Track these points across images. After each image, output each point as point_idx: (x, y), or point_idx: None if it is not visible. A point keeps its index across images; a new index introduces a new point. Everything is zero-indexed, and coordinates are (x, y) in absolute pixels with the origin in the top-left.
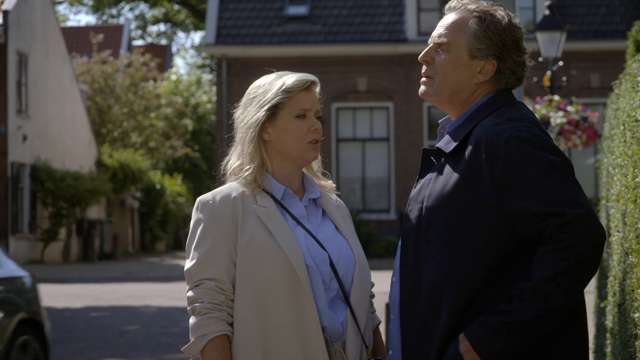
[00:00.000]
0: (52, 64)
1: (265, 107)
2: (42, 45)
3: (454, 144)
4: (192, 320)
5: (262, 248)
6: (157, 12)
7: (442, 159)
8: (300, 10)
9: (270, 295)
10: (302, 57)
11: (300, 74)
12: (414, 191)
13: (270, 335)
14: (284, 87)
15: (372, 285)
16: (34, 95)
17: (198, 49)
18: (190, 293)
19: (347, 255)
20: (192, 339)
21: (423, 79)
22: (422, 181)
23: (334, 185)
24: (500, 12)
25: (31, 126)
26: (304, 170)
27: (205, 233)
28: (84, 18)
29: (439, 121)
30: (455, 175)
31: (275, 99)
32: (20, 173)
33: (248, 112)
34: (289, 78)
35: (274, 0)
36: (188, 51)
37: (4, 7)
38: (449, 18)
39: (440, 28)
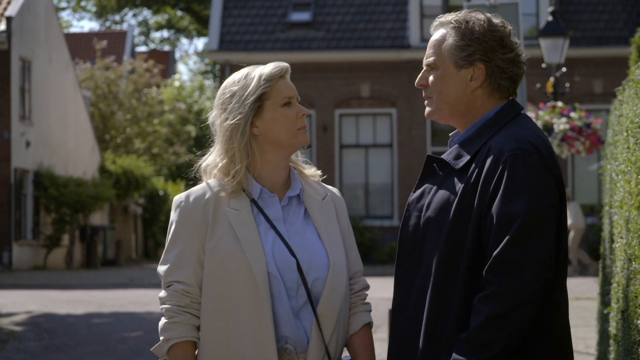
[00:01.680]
0: (55, 70)
1: (250, 101)
2: (45, 52)
3: (463, 160)
4: (160, 322)
5: (227, 253)
6: (161, 18)
7: (447, 170)
8: (303, 16)
9: (231, 301)
10: (305, 63)
11: (271, 63)
12: (412, 196)
13: (230, 341)
14: (263, 77)
15: (362, 289)
16: (37, 101)
17: (201, 55)
18: (160, 294)
19: (320, 260)
20: (160, 340)
21: (425, 101)
22: (423, 188)
23: (319, 172)
24: (476, 16)
25: (34, 132)
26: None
27: (177, 235)
28: (87, 24)
29: (450, 134)
30: (459, 189)
31: (258, 90)
32: (24, 179)
33: (231, 111)
34: (265, 68)
35: (277, 7)
36: (191, 57)
37: (7, 13)
38: (433, 37)
39: (428, 49)
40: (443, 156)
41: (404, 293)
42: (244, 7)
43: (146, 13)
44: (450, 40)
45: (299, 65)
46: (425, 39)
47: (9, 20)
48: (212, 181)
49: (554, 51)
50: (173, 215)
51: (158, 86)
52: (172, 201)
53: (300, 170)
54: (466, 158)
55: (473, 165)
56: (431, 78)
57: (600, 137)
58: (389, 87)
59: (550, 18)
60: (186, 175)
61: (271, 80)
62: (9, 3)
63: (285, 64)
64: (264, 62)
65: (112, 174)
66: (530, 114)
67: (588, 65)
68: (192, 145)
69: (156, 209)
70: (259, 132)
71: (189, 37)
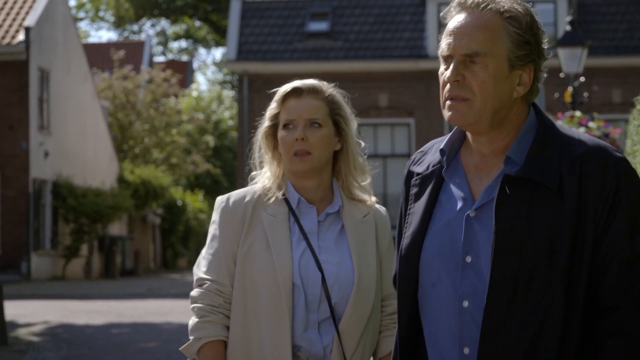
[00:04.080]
0: (74, 80)
1: (266, 118)
2: (63, 62)
3: (553, 176)
4: (190, 321)
5: (257, 257)
6: (179, 28)
7: (531, 191)
8: (321, 26)
9: (254, 306)
10: (323, 73)
11: (297, 81)
12: (499, 228)
13: (252, 344)
14: (274, 98)
15: (394, 312)
16: (55, 111)
17: (219, 65)
18: (192, 293)
19: (346, 278)
20: (190, 340)
21: (450, 102)
22: (510, 218)
23: (375, 201)
24: (528, 8)
25: (53, 142)
26: (339, 181)
27: (215, 235)
28: (105, 34)
29: (442, 147)
30: (567, 215)
31: (272, 109)
32: (42, 189)
33: (263, 122)
34: (283, 86)
35: (295, 17)
36: (209, 67)
37: (26, 23)
38: (471, 21)
39: (464, 36)
40: (521, 173)
41: (500, 342)
42: (262, 17)
43: (164, 23)
44: (510, 30)
45: (317, 75)
46: None
47: (27, 30)
48: (255, 186)
49: (572, 61)
50: (214, 216)
51: (176, 96)
52: (190, 211)
53: (354, 193)
54: (554, 174)
55: (567, 181)
56: (477, 74)
57: (619, 147)
58: (406, 97)
59: (568, 27)
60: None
61: (278, 101)
62: (27, 13)
63: (295, 84)
64: (282, 72)
65: (130, 184)
66: None
67: (606, 74)
68: (210, 155)
69: (174, 219)
70: (279, 148)
71: (207, 47)
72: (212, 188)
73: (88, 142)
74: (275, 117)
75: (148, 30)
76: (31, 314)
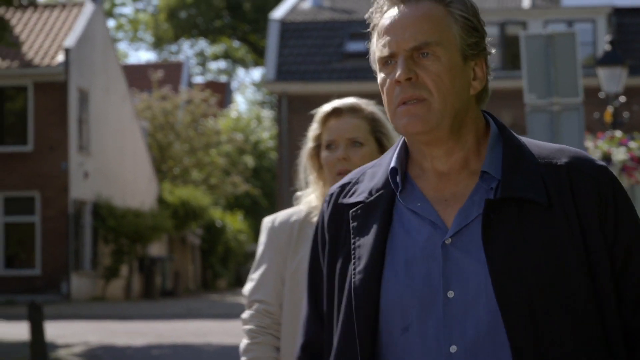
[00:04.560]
0: (113, 100)
1: (309, 139)
2: (102, 82)
3: (540, 192)
4: (242, 342)
5: (304, 276)
6: (217, 49)
7: (518, 211)
8: (359, 46)
9: None
10: (361, 93)
11: (336, 101)
12: (495, 254)
13: None
14: (316, 117)
15: None
16: (94, 132)
17: (258, 85)
18: (243, 315)
19: None
20: None
21: (404, 107)
22: (504, 243)
23: None
24: None
25: (92, 163)
26: None
27: (263, 255)
28: (144, 55)
29: (394, 165)
30: (567, 234)
31: (313, 130)
32: (82, 210)
33: (306, 142)
34: (323, 107)
35: (334, 37)
36: (248, 88)
37: (65, 45)
38: (410, 12)
39: (406, 28)
40: (505, 193)
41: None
42: (301, 37)
43: (203, 43)
44: (456, 15)
45: (355, 96)
46: None
47: (67, 51)
48: (301, 205)
49: (612, 80)
50: (261, 237)
51: (215, 116)
52: (229, 232)
53: None
54: (540, 187)
55: (556, 194)
56: (428, 68)
57: None
58: None
59: (608, 47)
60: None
61: (319, 122)
62: (66, 35)
63: (334, 104)
64: (321, 93)
65: (169, 205)
66: (589, 144)
67: None
68: (249, 175)
69: (214, 240)
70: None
71: (246, 67)
72: (252, 209)
73: (127, 163)
74: (317, 138)
75: (187, 50)
76: (71, 334)
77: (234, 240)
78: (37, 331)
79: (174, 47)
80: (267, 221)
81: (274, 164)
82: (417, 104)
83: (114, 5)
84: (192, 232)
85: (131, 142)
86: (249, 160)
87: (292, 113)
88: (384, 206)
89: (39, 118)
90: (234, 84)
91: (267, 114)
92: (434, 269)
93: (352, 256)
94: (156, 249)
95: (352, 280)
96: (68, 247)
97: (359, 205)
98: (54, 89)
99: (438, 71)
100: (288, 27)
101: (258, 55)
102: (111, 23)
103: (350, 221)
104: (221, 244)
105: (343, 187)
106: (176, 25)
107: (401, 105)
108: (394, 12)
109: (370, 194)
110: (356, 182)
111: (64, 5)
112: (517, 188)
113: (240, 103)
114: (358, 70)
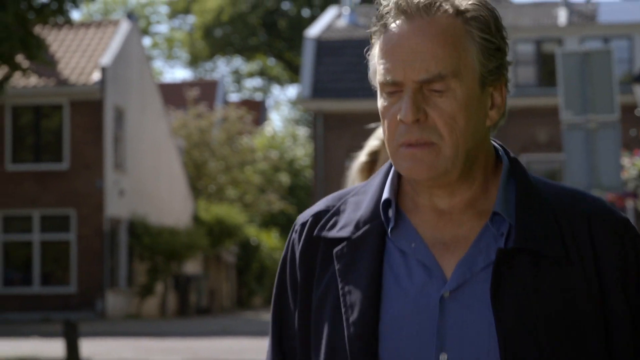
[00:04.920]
0: (149, 118)
1: (366, 153)
2: (138, 100)
3: (554, 244)
4: None
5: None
6: (253, 66)
7: (530, 265)
8: None
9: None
10: None
11: None
12: (503, 315)
13: None
14: (377, 134)
15: None
16: (130, 150)
17: (293, 103)
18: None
19: None
20: None
21: (407, 149)
22: (513, 300)
23: None
24: (487, 1)
25: (128, 181)
26: None
27: None
28: (179, 73)
29: (387, 196)
30: (585, 289)
31: (373, 145)
32: (117, 228)
33: (358, 156)
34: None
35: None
36: (283, 105)
37: (101, 63)
38: (422, 31)
39: (416, 54)
40: (519, 243)
41: None
42: (336, 55)
43: (238, 61)
44: (475, 35)
45: None
46: (519, 85)
47: (103, 70)
48: None
49: None
50: None
51: (250, 134)
52: (264, 250)
53: None
54: (556, 237)
55: (574, 246)
56: (440, 107)
57: None
58: None
59: None
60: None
61: (380, 139)
62: (102, 53)
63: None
64: (357, 110)
65: (205, 223)
66: (625, 161)
67: None
68: (284, 193)
69: (249, 258)
70: None
71: (281, 84)
72: (287, 226)
73: (163, 180)
74: (375, 154)
75: (222, 68)
76: (106, 352)
77: (269, 258)
78: (72, 349)
79: (209, 65)
80: None
81: (309, 182)
82: (424, 147)
83: (149, 23)
84: (227, 250)
85: (166, 160)
86: (284, 178)
87: (327, 130)
88: (373, 245)
89: (74, 136)
90: (269, 102)
91: (302, 131)
92: (426, 326)
93: (342, 304)
94: (191, 266)
95: (347, 332)
96: (103, 264)
97: (344, 243)
98: (89, 107)
99: (452, 111)
100: (323, 45)
101: (293, 73)
102: (147, 41)
103: (335, 262)
104: (256, 262)
105: (318, 216)
106: (212, 43)
107: (405, 147)
108: (402, 24)
109: (356, 229)
110: (337, 212)
111: (99, 24)
112: (534, 236)
113: (276, 121)
114: None
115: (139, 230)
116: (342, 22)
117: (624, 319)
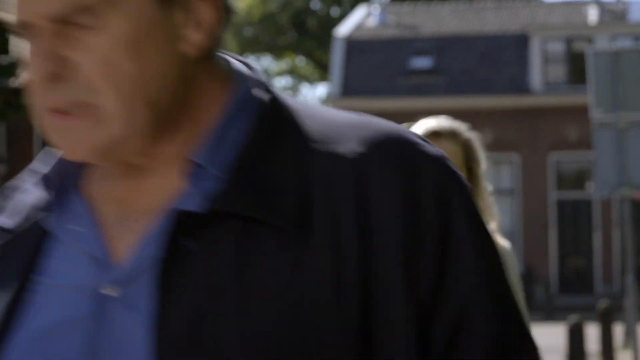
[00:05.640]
0: None
1: None
2: None
3: (289, 204)
4: None
5: None
6: (282, 65)
7: (235, 239)
8: (424, 62)
9: None
10: (426, 109)
11: (435, 120)
12: (168, 324)
13: None
14: None
15: None
16: None
17: (323, 101)
18: None
19: None
20: None
21: (58, 119)
22: (184, 299)
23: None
24: None
25: None
26: None
27: None
28: None
29: (48, 171)
30: (328, 285)
31: None
32: None
33: None
34: (417, 126)
35: (399, 53)
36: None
37: None
38: None
39: None
40: (221, 204)
41: None
42: (366, 54)
43: (268, 60)
44: None
45: (421, 112)
46: (548, 84)
47: None
48: None
49: None
50: None
51: None
52: None
53: None
54: (292, 198)
55: (326, 210)
56: (89, 47)
57: None
58: (511, 133)
59: None
60: None
61: None
62: None
63: (433, 127)
64: (386, 109)
65: None
66: None
67: None
68: None
69: None
70: None
71: (310, 83)
72: None
73: None
74: None
75: None
76: None
77: None
78: None
79: None
80: None
81: None
82: (77, 115)
83: None
84: None
85: None
86: None
87: None
88: (29, 238)
89: None
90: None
91: None
92: (76, 341)
93: None
94: None
95: None
96: None
97: (8, 237)
98: None
99: (110, 51)
100: (353, 44)
101: (323, 71)
102: None
103: None
104: None
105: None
106: (241, 42)
107: (52, 115)
108: None
109: (24, 219)
110: (15, 189)
111: None
112: (246, 198)
113: None
114: (423, 86)
115: None
116: (372, 21)
117: (400, 317)
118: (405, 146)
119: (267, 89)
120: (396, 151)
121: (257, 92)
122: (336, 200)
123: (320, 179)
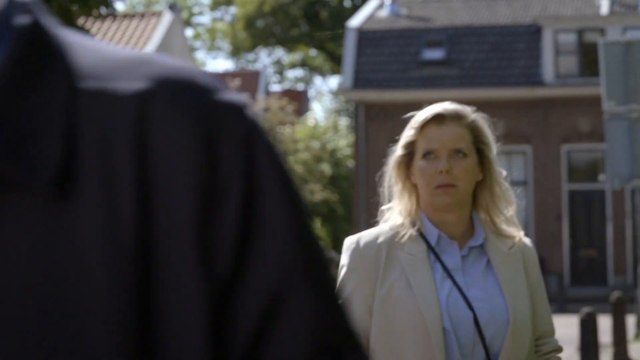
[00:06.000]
0: None
1: (399, 147)
2: None
3: (42, 161)
4: None
5: (399, 301)
6: (294, 57)
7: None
8: (437, 54)
9: (401, 354)
10: (438, 100)
11: (439, 104)
12: None
13: None
14: (411, 123)
15: (551, 350)
16: None
17: (335, 93)
18: None
19: (500, 315)
20: None
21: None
22: None
23: (521, 234)
24: None
25: None
26: (481, 213)
27: (346, 280)
28: (222, 64)
29: None
30: (92, 251)
31: (408, 136)
32: None
33: (393, 152)
34: (422, 111)
35: (411, 45)
36: (325, 96)
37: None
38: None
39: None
40: None
41: None
42: (378, 45)
43: (280, 52)
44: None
45: (432, 103)
46: (560, 76)
47: None
48: (387, 224)
49: None
50: (343, 259)
51: (292, 124)
52: None
53: (499, 227)
54: (50, 155)
55: (91, 170)
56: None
57: None
58: (523, 125)
59: None
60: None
61: (416, 127)
62: (145, 44)
63: (436, 110)
64: (398, 100)
65: None
66: None
67: None
68: (326, 183)
69: None
70: (414, 180)
71: (323, 75)
72: (329, 216)
73: None
74: (410, 145)
75: (264, 59)
76: None
77: None
78: None
79: (251, 56)
80: (350, 242)
81: (350, 172)
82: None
83: (191, 14)
84: None
85: None
86: (326, 168)
87: (369, 121)
88: None
89: None
90: (311, 92)
91: (344, 121)
92: None
93: None
94: None
95: None
96: None
97: None
98: None
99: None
100: (365, 36)
101: (335, 63)
102: (189, 32)
103: None
104: None
105: None
106: (253, 34)
107: None
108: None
109: None
110: None
111: (142, 15)
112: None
113: (318, 111)
114: (435, 78)
115: None
116: (384, 13)
117: (191, 297)
118: (200, 86)
119: (29, 10)
120: (188, 91)
121: (15, 15)
122: (111, 149)
123: (91, 124)
